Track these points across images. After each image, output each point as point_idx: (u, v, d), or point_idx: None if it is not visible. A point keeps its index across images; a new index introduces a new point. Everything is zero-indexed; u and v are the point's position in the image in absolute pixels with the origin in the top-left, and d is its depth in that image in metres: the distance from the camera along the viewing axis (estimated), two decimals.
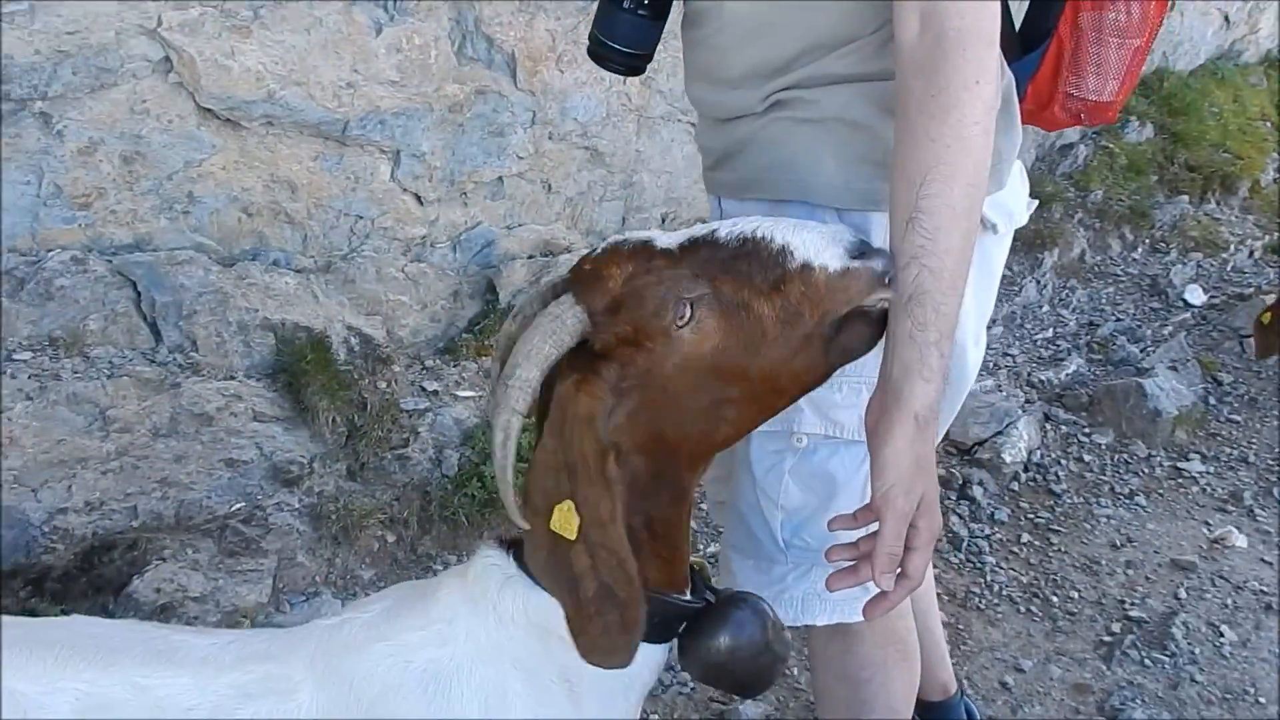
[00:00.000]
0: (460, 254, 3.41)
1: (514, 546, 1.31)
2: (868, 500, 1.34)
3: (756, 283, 1.19)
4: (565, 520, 1.16)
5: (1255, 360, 3.57)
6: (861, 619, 1.64)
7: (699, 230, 1.21)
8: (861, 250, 1.21)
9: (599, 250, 1.23)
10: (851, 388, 1.52)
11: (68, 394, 2.60)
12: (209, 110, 2.76)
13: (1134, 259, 5.02)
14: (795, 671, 2.65)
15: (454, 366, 3.31)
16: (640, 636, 1.21)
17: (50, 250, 2.66)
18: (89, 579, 2.61)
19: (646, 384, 1.20)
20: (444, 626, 1.30)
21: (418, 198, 3.23)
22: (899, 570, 1.29)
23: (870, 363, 1.32)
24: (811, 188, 1.52)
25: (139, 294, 2.77)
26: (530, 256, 3.54)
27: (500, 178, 3.39)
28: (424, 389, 3.22)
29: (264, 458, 2.89)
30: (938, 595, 2.96)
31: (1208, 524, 3.33)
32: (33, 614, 2.49)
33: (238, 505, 2.87)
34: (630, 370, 1.20)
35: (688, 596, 1.35)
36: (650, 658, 1.33)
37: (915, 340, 1.25)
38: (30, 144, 2.55)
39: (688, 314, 1.18)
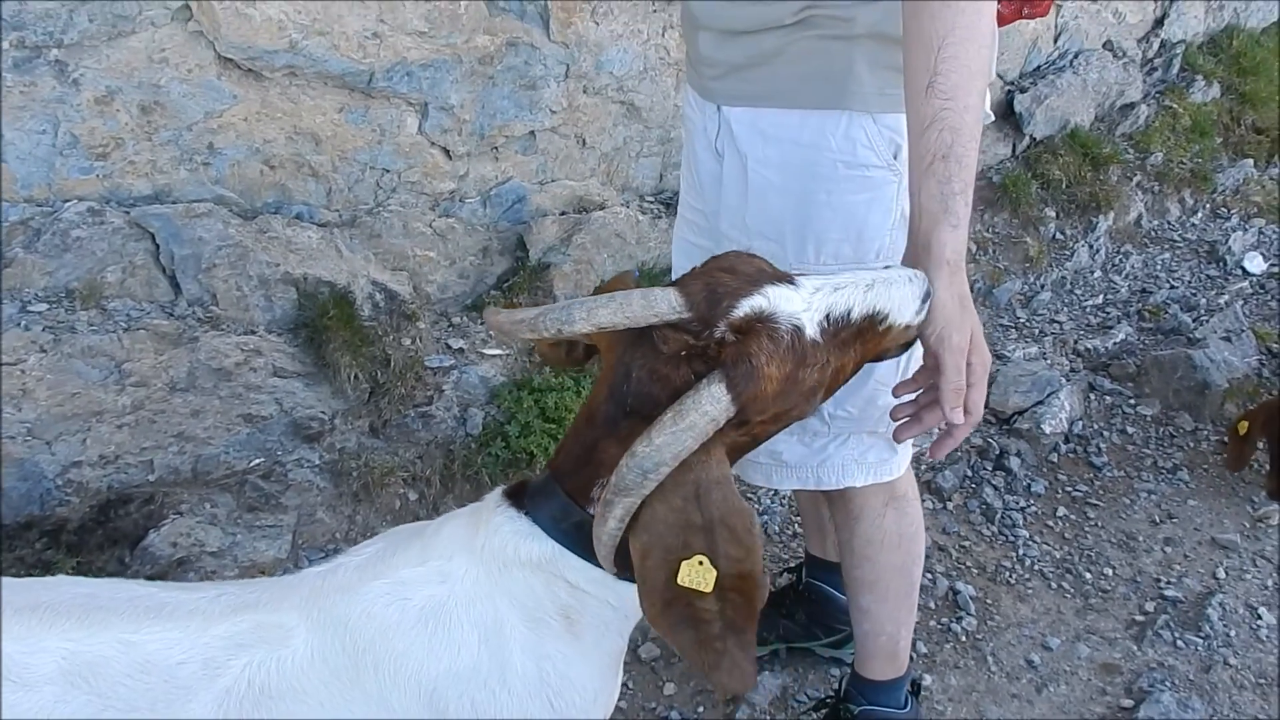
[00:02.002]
0: (490, 209, 3.35)
1: (517, 496, 1.32)
2: (904, 375, 1.55)
3: (868, 344, 1.29)
4: (699, 575, 1.17)
5: (1228, 470, 3.35)
6: (895, 476, 1.95)
7: (836, 306, 1.23)
8: (927, 292, 1.31)
9: (761, 333, 1.19)
10: None
11: (83, 346, 2.58)
12: (229, 60, 2.70)
13: (1193, 224, 4.84)
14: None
15: (481, 324, 3.26)
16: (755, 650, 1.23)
17: (67, 201, 2.63)
18: (105, 532, 2.61)
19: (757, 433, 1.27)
20: (443, 563, 1.30)
21: (446, 151, 3.17)
22: None
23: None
24: (847, 96, 1.64)
25: (158, 246, 2.73)
26: (563, 213, 3.48)
27: (532, 132, 3.31)
28: (449, 346, 3.18)
29: (284, 413, 2.86)
30: (967, 568, 2.89)
31: (1252, 501, 3.20)
32: (48, 566, 2.50)
33: (257, 461, 2.85)
34: (751, 433, 1.26)
35: None
36: None
37: (941, 194, 1.35)
38: (46, 93, 2.51)
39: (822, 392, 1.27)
